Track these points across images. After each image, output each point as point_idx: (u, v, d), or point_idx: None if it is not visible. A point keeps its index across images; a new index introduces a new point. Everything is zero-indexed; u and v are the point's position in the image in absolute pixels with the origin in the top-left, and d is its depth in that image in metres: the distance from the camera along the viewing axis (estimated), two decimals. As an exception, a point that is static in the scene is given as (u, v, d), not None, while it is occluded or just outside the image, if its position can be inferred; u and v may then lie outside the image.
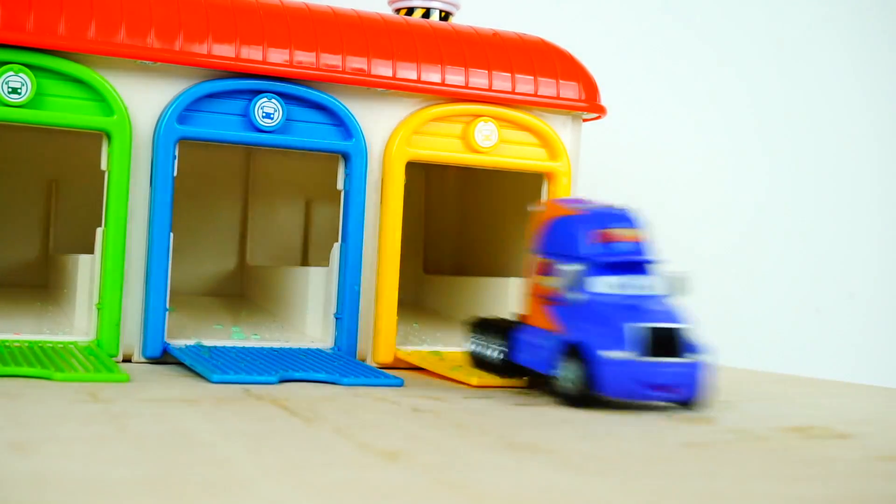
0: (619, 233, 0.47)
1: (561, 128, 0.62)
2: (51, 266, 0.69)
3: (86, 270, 0.55)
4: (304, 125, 0.57)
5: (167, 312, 0.54)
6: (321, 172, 0.67)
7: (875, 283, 1.00)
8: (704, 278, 0.91)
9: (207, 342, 0.55)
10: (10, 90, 0.51)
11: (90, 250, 0.55)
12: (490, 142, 0.60)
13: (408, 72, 0.58)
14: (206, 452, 0.31)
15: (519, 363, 0.49)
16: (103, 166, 0.54)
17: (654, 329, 0.44)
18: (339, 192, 0.58)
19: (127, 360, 0.54)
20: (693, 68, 0.91)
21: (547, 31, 0.68)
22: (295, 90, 0.56)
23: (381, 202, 0.58)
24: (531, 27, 0.68)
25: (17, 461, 0.28)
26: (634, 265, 0.46)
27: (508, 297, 0.61)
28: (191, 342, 0.55)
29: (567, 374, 0.45)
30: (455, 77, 0.60)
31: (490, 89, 0.60)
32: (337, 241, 0.58)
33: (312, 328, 0.60)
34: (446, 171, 0.74)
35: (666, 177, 0.90)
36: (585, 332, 0.45)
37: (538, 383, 0.50)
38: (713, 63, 0.92)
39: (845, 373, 0.91)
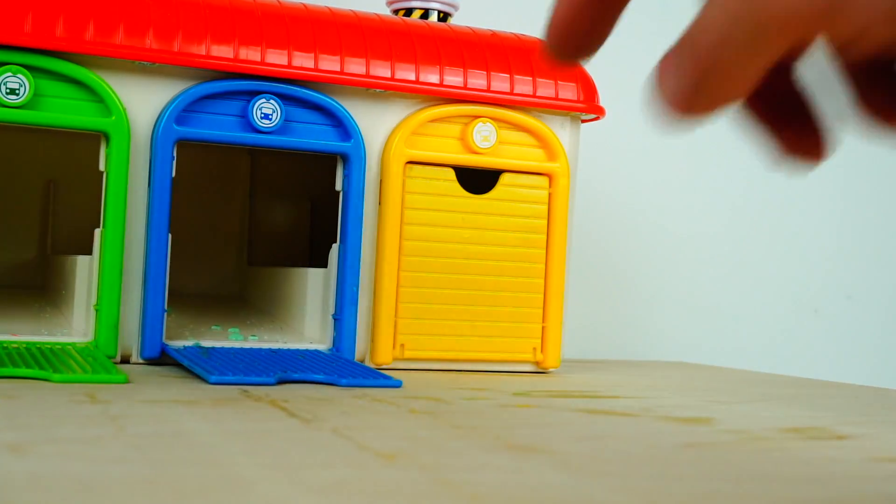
0: None
1: (559, 129, 0.62)
2: (49, 267, 0.68)
3: (84, 271, 0.55)
4: (302, 126, 0.57)
5: (165, 313, 0.54)
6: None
7: (873, 285, 1.00)
8: (703, 279, 0.91)
9: (205, 343, 0.55)
10: (8, 91, 0.51)
11: (88, 251, 0.55)
12: (489, 142, 0.60)
13: (406, 73, 0.58)
14: (204, 453, 0.31)
15: None
16: (101, 167, 0.54)
17: None
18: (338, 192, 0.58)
19: (125, 360, 0.54)
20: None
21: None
22: (293, 91, 0.56)
23: (379, 203, 0.58)
24: (529, 28, 0.68)
25: (15, 462, 0.28)
26: None
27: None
28: (189, 343, 0.55)
29: None
30: (453, 78, 0.59)
31: (488, 90, 0.60)
32: (336, 241, 0.58)
33: (311, 329, 0.59)
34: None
35: (664, 178, 0.90)
36: None
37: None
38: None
39: (844, 374, 0.91)
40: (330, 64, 0.57)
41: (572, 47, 0.35)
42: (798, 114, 0.36)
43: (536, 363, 0.62)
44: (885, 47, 0.29)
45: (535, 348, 0.61)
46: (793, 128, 0.36)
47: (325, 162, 0.59)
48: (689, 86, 0.33)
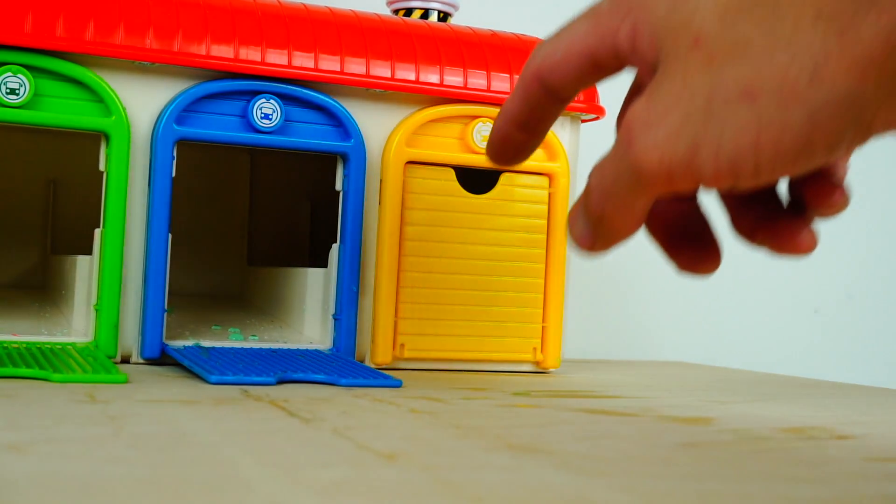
0: None
1: (559, 129, 0.62)
2: (49, 267, 0.68)
3: (84, 271, 0.55)
4: (302, 126, 0.57)
5: (165, 313, 0.54)
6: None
7: (874, 284, 1.00)
8: (702, 279, 0.91)
9: (206, 343, 0.55)
10: (8, 91, 0.51)
11: (88, 251, 0.55)
12: (489, 142, 0.60)
13: (406, 73, 0.58)
14: (204, 453, 0.31)
15: None
16: (102, 167, 0.54)
17: None
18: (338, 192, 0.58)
19: (125, 360, 0.54)
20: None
21: (545, 32, 0.68)
22: (293, 91, 0.56)
23: (379, 203, 0.58)
24: (530, 28, 0.68)
25: (15, 462, 0.28)
26: None
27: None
28: (189, 343, 0.55)
29: None
30: (453, 78, 0.59)
31: (489, 90, 0.60)
32: (336, 241, 0.58)
33: (311, 329, 0.59)
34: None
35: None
36: None
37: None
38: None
39: (844, 374, 0.91)
40: (330, 64, 0.57)
41: (505, 159, 0.47)
42: (696, 232, 0.45)
43: (536, 363, 0.62)
44: (742, 188, 0.36)
45: (535, 348, 0.61)
46: (691, 246, 0.45)
47: (325, 162, 0.59)
48: (589, 231, 0.42)
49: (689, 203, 0.45)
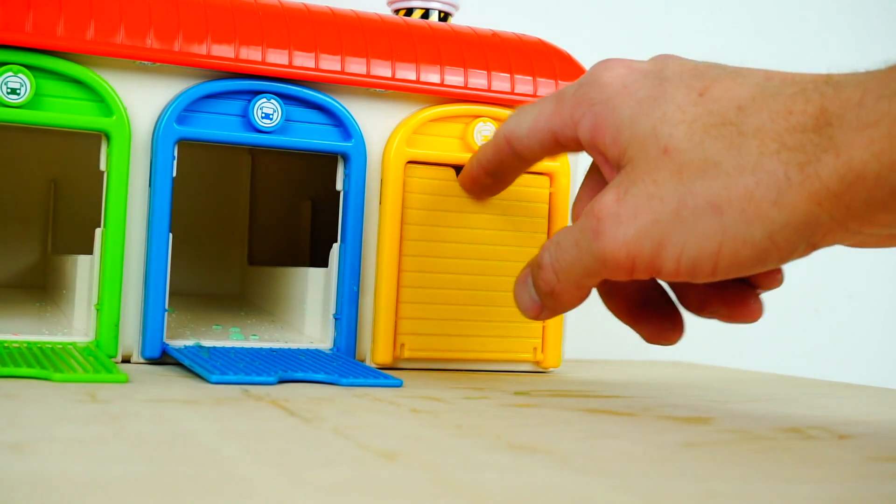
0: None
1: (560, 128, 0.62)
2: (49, 266, 0.69)
3: (85, 271, 0.55)
4: (303, 126, 0.57)
5: (166, 313, 0.54)
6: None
7: (874, 284, 1.00)
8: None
9: (206, 343, 0.55)
10: (8, 91, 0.51)
11: (89, 251, 0.55)
12: (489, 142, 0.60)
13: (407, 72, 0.58)
14: (204, 452, 0.31)
15: None
16: (102, 167, 0.54)
17: None
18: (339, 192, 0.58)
19: (126, 360, 0.54)
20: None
21: (546, 31, 0.68)
22: (294, 91, 0.56)
23: (379, 203, 0.58)
24: (530, 28, 0.68)
25: (15, 461, 0.28)
26: None
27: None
28: (190, 343, 0.55)
29: None
30: (454, 78, 0.60)
31: (489, 90, 0.60)
32: (336, 241, 0.58)
33: (311, 329, 0.60)
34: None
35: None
36: None
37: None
38: (712, 64, 0.92)
39: (844, 374, 0.91)
40: (330, 64, 0.57)
41: (473, 194, 0.57)
42: (656, 304, 0.48)
43: (537, 363, 0.62)
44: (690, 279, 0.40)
45: (535, 348, 0.61)
46: (654, 318, 0.48)
47: (326, 161, 0.59)
48: (537, 303, 0.47)
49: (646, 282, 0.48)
